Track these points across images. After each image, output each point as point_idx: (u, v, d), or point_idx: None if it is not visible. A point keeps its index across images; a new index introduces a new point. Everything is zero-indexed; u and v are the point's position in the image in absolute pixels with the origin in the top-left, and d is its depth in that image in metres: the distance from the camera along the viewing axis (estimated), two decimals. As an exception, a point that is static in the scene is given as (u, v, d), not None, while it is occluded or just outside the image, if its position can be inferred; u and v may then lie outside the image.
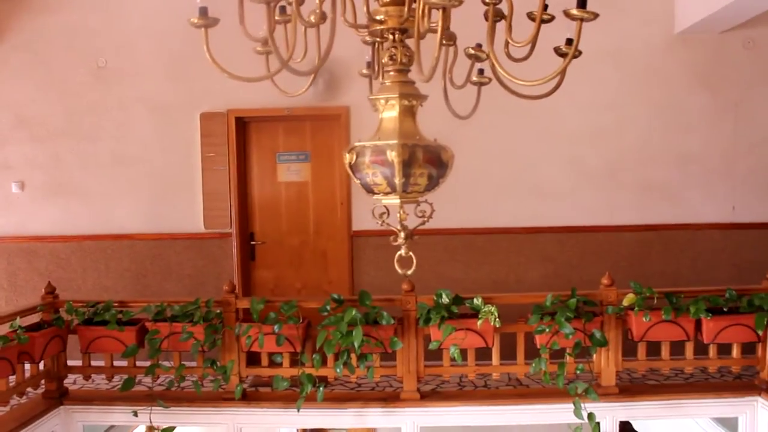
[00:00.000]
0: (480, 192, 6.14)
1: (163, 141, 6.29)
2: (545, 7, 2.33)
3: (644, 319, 4.30)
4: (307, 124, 6.43)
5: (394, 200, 2.34)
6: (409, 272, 2.49)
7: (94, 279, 6.39)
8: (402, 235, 2.48)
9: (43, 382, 4.77)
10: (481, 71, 2.82)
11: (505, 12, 2.48)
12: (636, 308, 4.35)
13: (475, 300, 4.45)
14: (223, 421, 4.70)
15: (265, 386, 5.09)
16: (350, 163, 2.29)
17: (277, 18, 2.36)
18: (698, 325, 4.44)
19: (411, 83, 2.43)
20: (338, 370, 4.42)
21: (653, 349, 4.65)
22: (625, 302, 4.42)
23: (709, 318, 4.33)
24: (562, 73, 2.37)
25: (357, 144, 2.27)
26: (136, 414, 4.55)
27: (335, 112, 6.21)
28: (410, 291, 4.64)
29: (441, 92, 2.46)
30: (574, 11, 2.09)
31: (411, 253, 2.48)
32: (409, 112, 2.39)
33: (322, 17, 2.34)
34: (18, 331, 4.10)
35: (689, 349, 4.58)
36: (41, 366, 4.70)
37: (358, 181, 2.31)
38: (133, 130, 6.28)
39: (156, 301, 4.70)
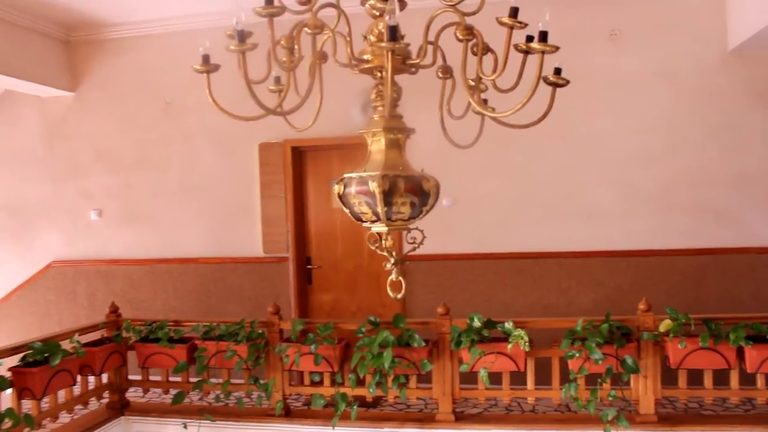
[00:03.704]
0: (528, 216, 6.16)
1: (224, 170, 6.70)
2: (530, 38, 2.36)
3: (679, 345, 4.21)
4: (360, 152, 6.64)
5: (381, 228, 2.46)
6: (399, 296, 2.61)
7: (163, 300, 6.84)
8: (392, 260, 2.59)
9: (107, 393, 5.18)
10: (484, 101, 2.89)
11: (489, 46, 2.55)
12: (671, 334, 4.26)
13: (506, 324, 4.49)
14: (267, 437, 4.93)
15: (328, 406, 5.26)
16: (339, 193, 2.45)
17: (284, 59, 2.54)
18: (741, 353, 4.29)
19: (398, 117, 2.57)
20: (371, 390, 4.57)
21: (698, 377, 4.53)
22: (662, 328, 4.34)
23: (750, 346, 4.18)
24: (550, 102, 2.40)
25: (345, 176, 2.43)
26: (185, 426, 4.86)
27: (379, 138, 6.39)
28: (445, 314, 4.73)
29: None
30: (535, 45, 2.16)
31: (401, 278, 2.59)
32: (394, 145, 2.52)
33: (323, 57, 2.52)
34: (76, 346, 4.50)
35: (734, 378, 4.43)
36: (105, 379, 5.11)
37: (347, 210, 2.46)
38: (198, 160, 6.73)
39: (205, 321, 5.02)
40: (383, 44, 2.00)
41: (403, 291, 2.60)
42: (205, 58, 2.46)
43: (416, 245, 2.72)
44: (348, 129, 5.85)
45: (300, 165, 6.78)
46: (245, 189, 6.68)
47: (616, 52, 5.98)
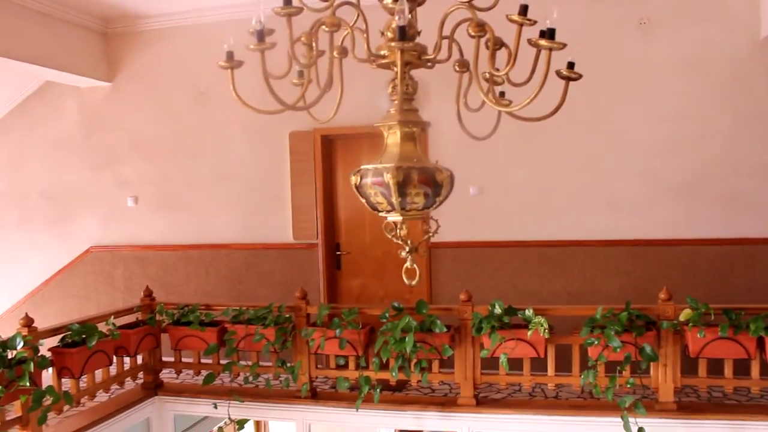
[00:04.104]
0: (554, 204, 6.19)
1: (256, 158, 6.86)
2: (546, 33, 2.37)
3: (698, 335, 4.24)
4: (389, 141, 6.75)
5: (397, 217, 2.56)
6: (414, 282, 2.71)
7: (197, 284, 7.05)
8: (406, 248, 2.69)
9: (141, 374, 5.40)
10: (502, 94, 2.95)
11: (502, 40, 2.60)
12: (690, 324, 4.29)
13: (526, 311, 4.57)
14: (294, 417, 5.10)
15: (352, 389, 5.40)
16: (356, 184, 2.56)
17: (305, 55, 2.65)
18: (761, 343, 4.29)
19: (413, 111, 2.66)
20: (394, 374, 4.70)
21: (720, 367, 4.54)
22: (682, 317, 4.37)
23: (770, 336, 4.19)
24: (563, 96, 2.42)
25: (362, 167, 2.53)
26: (216, 406, 5.05)
27: (413, 128, 6.47)
28: (467, 301, 4.82)
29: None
30: (543, 42, 2.21)
31: (415, 266, 2.69)
32: (409, 137, 2.61)
33: (343, 52, 2.63)
34: (111, 328, 4.72)
35: (754, 368, 4.44)
36: (140, 360, 5.33)
37: (364, 201, 2.56)
38: (230, 149, 6.91)
39: (235, 305, 5.20)
40: (393, 44, 2.10)
41: (417, 278, 2.70)
42: (229, 55, 2.58)
43: (431, 234, 2.81)
44: (377, 118, 5.94)
45: (330, 153, 6.91)
46: (276, 177, 6.83)
47: (645, 41, 5.95)
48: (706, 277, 5.85)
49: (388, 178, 2.42)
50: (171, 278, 7.11)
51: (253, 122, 6.75)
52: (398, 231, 2.65)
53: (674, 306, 4.47)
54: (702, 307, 4.30)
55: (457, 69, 2.83)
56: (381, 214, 2.60)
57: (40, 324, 4.48)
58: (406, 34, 2.09)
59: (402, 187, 2.43)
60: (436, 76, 2.95)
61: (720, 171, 5.88)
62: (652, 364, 4.48)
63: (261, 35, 2.30)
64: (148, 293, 5.43)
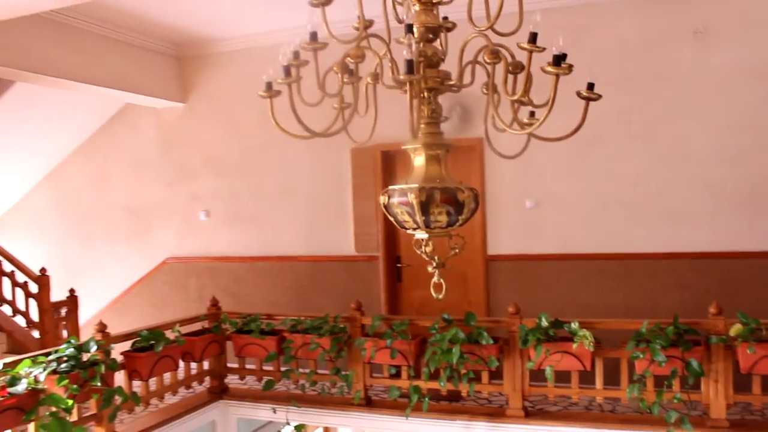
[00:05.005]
0: (613, 217, 6.16)
1: (319, 174, 7.14)
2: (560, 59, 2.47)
3: (748, 351, 4.16)
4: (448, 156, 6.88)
5: (423, 234, 2.74)
6: (440, 296, 2.88)
7: (264, 295, 7.38)
8: (434, 264, 2.86)
9: (208, 379, 5.74)
10: (532, 113, 3.06)
11: (522, 65, 2.72)
12: (739, 339, 4.22)
13: (572, 324, 4.60)
14: (349, 424, 5.31)
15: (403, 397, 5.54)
16: (384, 204, 2.75)
17: (345, 80, 2.87)
18: (819, 360, 4.18)
19: (439, 134, 2.83)
20: (442, 384, 4.82)
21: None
22: (732, 332, 4.30)
23: (826, 353, 4.07)
24: (583, 115, 2.52)
25: (390, 187, 2.72)
26: (274, 411, 5.32)
27: (470, 143, 6.58)
28: (515, 313, 4.90)
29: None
30: (549, 68, 2.32)
31: (442, 280, 2.85)
32: (434, 159, 2.77)
33: (376, 78, 2.83)
34: (177, 335, 5.07)
35: (813, 385, 4.32)
36: (206, 365, 5.67)
37: (392, 218, 2.75)
38: (294, 164, 7.22)
39: (294, 315, 5.46)
40: (401, 77, 2.27)
41: (443, 292, 2.86)
42: (268, 85, 2.84)
43: (457, 251, 2.95)
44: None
45: (390, 168, 7.09)
46: (338, 191, 7.08)
47: (701, 50, 5.85)
48: (772, 291, 5.67)
49: (411, 197, 2.59)
50: (240, 288, 7.47)
51: (316, 139, 6.96)
52: (424, 247, 2.81)
53: (725, 320, 4.40)
54: (752, 322, 4.22)
55: (484, 92, 2.95)
56: (408, 231, 2.77)
57: (121, 330, 4.89)
58: (414, 67, 2.25)
59: (425, 206, 2.59)
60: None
61: (784, 181, 5.71)
62: (702, 379, 4.42)
63: (288, 71, 2.53)
64: (214, 303, 5.78)
